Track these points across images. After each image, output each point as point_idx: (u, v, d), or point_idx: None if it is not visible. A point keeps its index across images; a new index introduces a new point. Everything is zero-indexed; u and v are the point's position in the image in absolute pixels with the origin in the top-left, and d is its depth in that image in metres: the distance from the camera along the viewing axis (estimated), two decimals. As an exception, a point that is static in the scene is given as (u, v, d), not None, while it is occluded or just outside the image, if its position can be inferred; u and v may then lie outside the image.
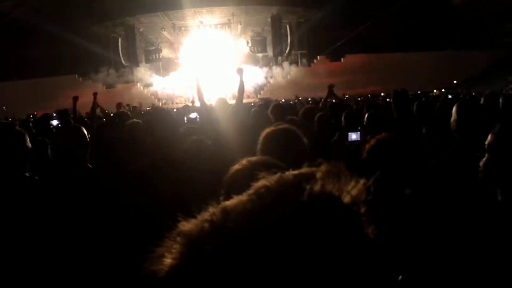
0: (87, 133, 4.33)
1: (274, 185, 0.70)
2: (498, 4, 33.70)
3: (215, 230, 0.66)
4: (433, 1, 35.45)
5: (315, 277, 0.61)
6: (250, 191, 0.71)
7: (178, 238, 0.68)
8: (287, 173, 0.73)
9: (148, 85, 42.01)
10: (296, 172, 0.73)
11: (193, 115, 9.54)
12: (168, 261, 0.67)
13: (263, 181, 0.72)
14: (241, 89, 7.10)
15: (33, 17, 33.18)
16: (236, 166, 2.21)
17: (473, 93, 23.11)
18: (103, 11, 35.65)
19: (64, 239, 3.30)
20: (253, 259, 0.61)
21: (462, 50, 36.49)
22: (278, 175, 0.73)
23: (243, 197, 0.70)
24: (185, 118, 9.29)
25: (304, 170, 0.73)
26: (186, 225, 0.70)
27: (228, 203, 0.70)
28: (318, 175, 0.70)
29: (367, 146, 3.05)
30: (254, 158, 2.29)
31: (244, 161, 2.22)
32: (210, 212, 0.69)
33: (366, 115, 6.11)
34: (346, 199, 0.68)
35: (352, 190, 0.69)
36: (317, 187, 0.67)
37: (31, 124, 10.59)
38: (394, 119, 6.65)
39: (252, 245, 0.62)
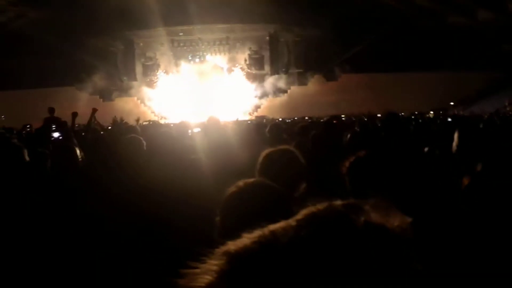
0: (80, 148, 4.28)
1: (324, 214, 0.71)
2: (494, 25, 33.98)
3: (264, 252, 0.67)
4: (429, 21, 35.70)
5: None
6: (299, 217, 0.72)
7: (222, 257, 0.69)
8: (335, 202, 0.74)
9: (145, 100, 41.97)
10: (343, 202, 0.74)
11: (197, 130, 9.48)
12: (207, 278, 0.68)
13: (311, 209, 0.73)
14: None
15: (33, 29, 33.32)
16: (233, 188, 2.17)
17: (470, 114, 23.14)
18: (102, 25, 35.83)
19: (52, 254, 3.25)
20: (300, 284, 0.62)
21: (458, 70, 36.63)
22: (326, 203, 0.74)
23: (291, 222, 0.71)
24: (190, 132, 9.22)
25: (352, 201, 0.74)
26: (232, 245, 0.70)
27: (276, 227, 0.71)
28: (366, 207, 0.71)
29: (347, 163, 3.02)
30: (250, 180, 2.25)
31: (240, 183, 2.19)
32: (259, 234, 0.70)
33: (348, 135, 6.13)
34: (396, 230, 0.69)
35: (399, 223, 0.70)
36: (369, 218, 0.69)
37: (23, 135, 10.55)
38: (380, 139, 6.58)
39: (301, 270, 0.63)
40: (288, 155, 3.18)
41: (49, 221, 3.33)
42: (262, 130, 7.64)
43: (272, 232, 0.70)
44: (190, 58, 43.82)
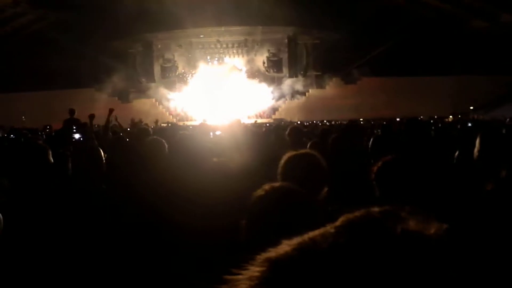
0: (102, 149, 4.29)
1: (362, 221, 0.72)
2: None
3: (305, 259, 0.67)
4: (450, 24, 35.42)
5: None
6: (337, 224, 0.72)
7: (263, 263, 0.70)
8: (372, 209, 0.74)
9: (163, 101, 42.13)
10: (380, 209, 0.74)
11: (218, 132, 9.52)
12: (248, 285, 0.69)
13: (349, 216, 0.74)
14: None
15: (53, 31, 33.68)
16: (259, 192, 2.18)
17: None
18: (122, 27, 36.08)
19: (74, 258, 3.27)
20: None
21: (478, 74, 36.23)
22: (363, 210, 0.74)
23: (329, 229, 0.72)
24: (211, 134, 9.26)
25: (388, 208, 0.74)
26: (273, 252, 0.71)
27: (315, 234, 0.72)
28: (403, 214, 0.72)
29: (375, 168, 3.03)
30: (276, 184, 2.26)
31: (267, 187, 2.20)
32: (299, 241, 0.71)
33: (370, 139, 6.13)
34: (434, 237, 0.69)
35: (436, 229, 0.70)
36: (407, 225, 0.69)
37: (44, 136, 10.64)
38: (402, 143, 6.55)
39: (341, 277, 0.64)
40: (310, 158, 3.18)
41: (74, 223, 3.35)
42: (282, 133, 7.63)
43: (312, 239, 0.70)
44: (208, 60, 43.94)
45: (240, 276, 0.71)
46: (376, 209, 0.74)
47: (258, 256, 0.72)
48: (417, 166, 2.95)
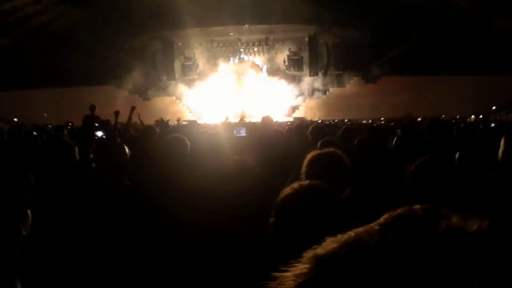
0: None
1: (406, 218, 0.73)
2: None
3: (352, 256, 0.69)
4: (472, 23, 34.97)
5: None
6: (381, 221, 0.74)
7: (310, 260, 0.71)
8: (414, 206, 0.75)
9: (183, 99, 42.22)
10: (423, 206, 0.75)
11: (242, 131, 9.52)
12: (296, 281, 0.70)
13: (393, 213, 0.75)
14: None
15: (74, 28, 33.97)
16: (288, 190, 2.22)
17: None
18: (142, 25, 36.25)
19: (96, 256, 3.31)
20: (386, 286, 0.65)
21: (501, 74, 35.68)
22: (405, 208, 0.76)
23: (373, 226, 0.73)
24: (235, 132, 9.28)
25: (430, 206, 0.75)
26: (320, 249, 0.73)
27: (360, 231, 0.73)
28: (445, 211, 0.73)
29: (411, 166, 3.04)
30: (305, 183, 2.30)
31: (295, 185, 2.24)
32: (344, 237, 0.73)
33: (394, 140, 6.19)
34: (477, 233, 0.70)
35: (478, 226, 0.71)
36: (450, 222, 0.70)
37: (65, 131, 10.72)
38: (426, 144, 6.54)
39: (388, 274, 0.65)
40: (334, 157, 3.19)
41: (98, 220, 3.39)
42: (304, 132, 7.64)
43: (358, 236, 0.72)
44: (229, 58, 43.99)
45: (287, 273, 0.72)
46: (417, 206, 0.75)
47: (305, 253, 0.73)
48: (452, 165, 2.96)
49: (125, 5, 33.64)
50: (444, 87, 38.17)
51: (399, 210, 0.75)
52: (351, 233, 0.73)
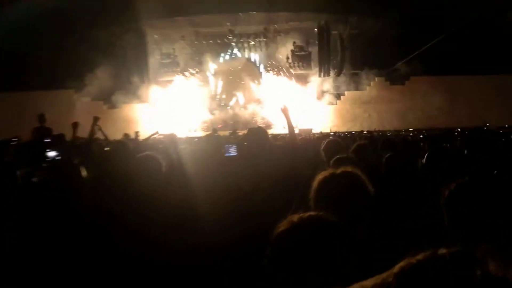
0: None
1: (428, 266, 0.71)
2: None
3: None
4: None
5: None
6: (396, 271, 0.74)
7: None
8: (440, 250, 0.74)
9: (158, 106, 42.12)
10: (449, 250, 0.73)
11: (233, 149, 9.50)
12: None
13: (411, 260, 0.74)
14: (291, 132, 7.20)
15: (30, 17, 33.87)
16: (284, 225, 2.19)
17: None
18: (109, 13, 35.96)
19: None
20: None
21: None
22: (430, 251, 0.75)
23: (386, 278, 0.73)
24: (226, 147, 9.30)
25: (460, 248, 0.73)
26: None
27: (368, 285, 0.74)
28: (479, 254, 0.71)
29: (447, 190, 2.99)
30: (305, 215, 2.25)
31: (294, 218, 2.21)
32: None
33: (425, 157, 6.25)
34: None
35: None
36: (486, 269, 0.68)
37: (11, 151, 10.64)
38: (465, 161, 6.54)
39: None
40: (351, 179, 3.13)
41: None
42: (310, 146, 7.62)
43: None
44: (218, 54, 44.04)
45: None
46: (443, 250, 0.74)
47: None
48: (497, 190, 2.89)
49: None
50: (488, 89, 38.26)
51: (419, 256, 0.74)
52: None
